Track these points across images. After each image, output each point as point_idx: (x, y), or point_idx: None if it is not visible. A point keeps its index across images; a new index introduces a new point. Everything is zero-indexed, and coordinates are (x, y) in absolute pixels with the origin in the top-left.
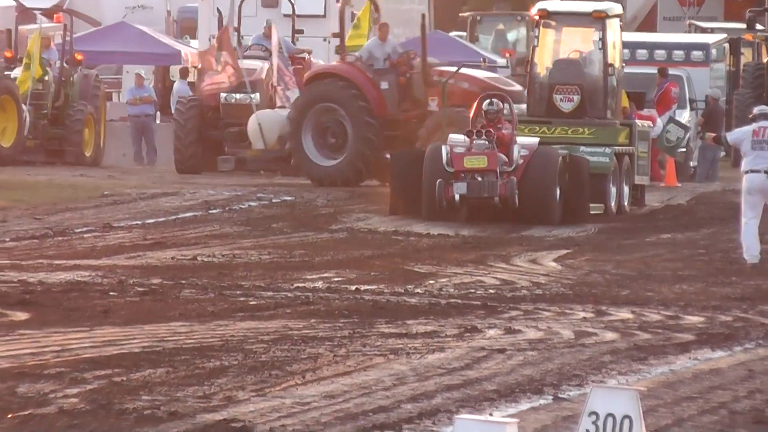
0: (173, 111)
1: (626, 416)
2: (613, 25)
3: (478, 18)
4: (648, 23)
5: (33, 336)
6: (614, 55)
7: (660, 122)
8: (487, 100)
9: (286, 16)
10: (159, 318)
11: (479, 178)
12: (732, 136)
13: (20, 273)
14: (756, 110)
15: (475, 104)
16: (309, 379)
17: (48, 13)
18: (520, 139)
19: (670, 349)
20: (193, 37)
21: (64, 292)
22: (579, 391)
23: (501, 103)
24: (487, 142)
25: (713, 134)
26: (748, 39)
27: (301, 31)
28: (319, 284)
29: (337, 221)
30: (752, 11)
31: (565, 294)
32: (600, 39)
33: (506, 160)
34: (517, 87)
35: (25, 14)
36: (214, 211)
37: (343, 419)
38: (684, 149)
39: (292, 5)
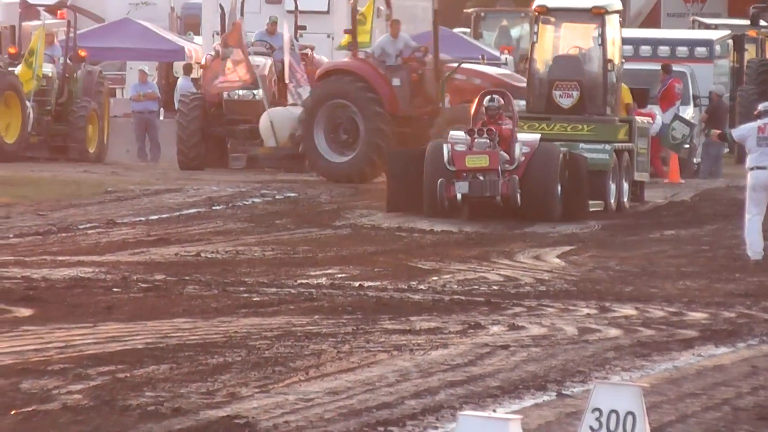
0: (176, 107)
1: (629, 413)
2: (612, 21)
3: (482, 14)
4: (651, 19)
5: (36, 332)
6: (614, 52)
7: (659, 118)
8: (488, 97)
9: (289, 12)
10: (162, 314)
11: (481, 177)
12: (737, 132)
13: (24, 269)
14: (761, 107)
15: (476, 101)
16: (312, 375)
17: (52, 10)
18: (522, 136)
19: (674, 345)
20: (197, 33)
21: (67, 288)
22: (582, 387)
23: (502, 100)
24: (488, 141)
25: (718, 131)
26: (752, 35)
27: (304, 28)
28: (323, 280)
29: (341, 218)
30: (756, 7)
31: (569, 290)
32: (599, 35)
33: (508, 158)
34: None
35: (28, 10)
36: (217, 207)
37: (346, 415)
38: (688, 146)
39: (296, 2)
